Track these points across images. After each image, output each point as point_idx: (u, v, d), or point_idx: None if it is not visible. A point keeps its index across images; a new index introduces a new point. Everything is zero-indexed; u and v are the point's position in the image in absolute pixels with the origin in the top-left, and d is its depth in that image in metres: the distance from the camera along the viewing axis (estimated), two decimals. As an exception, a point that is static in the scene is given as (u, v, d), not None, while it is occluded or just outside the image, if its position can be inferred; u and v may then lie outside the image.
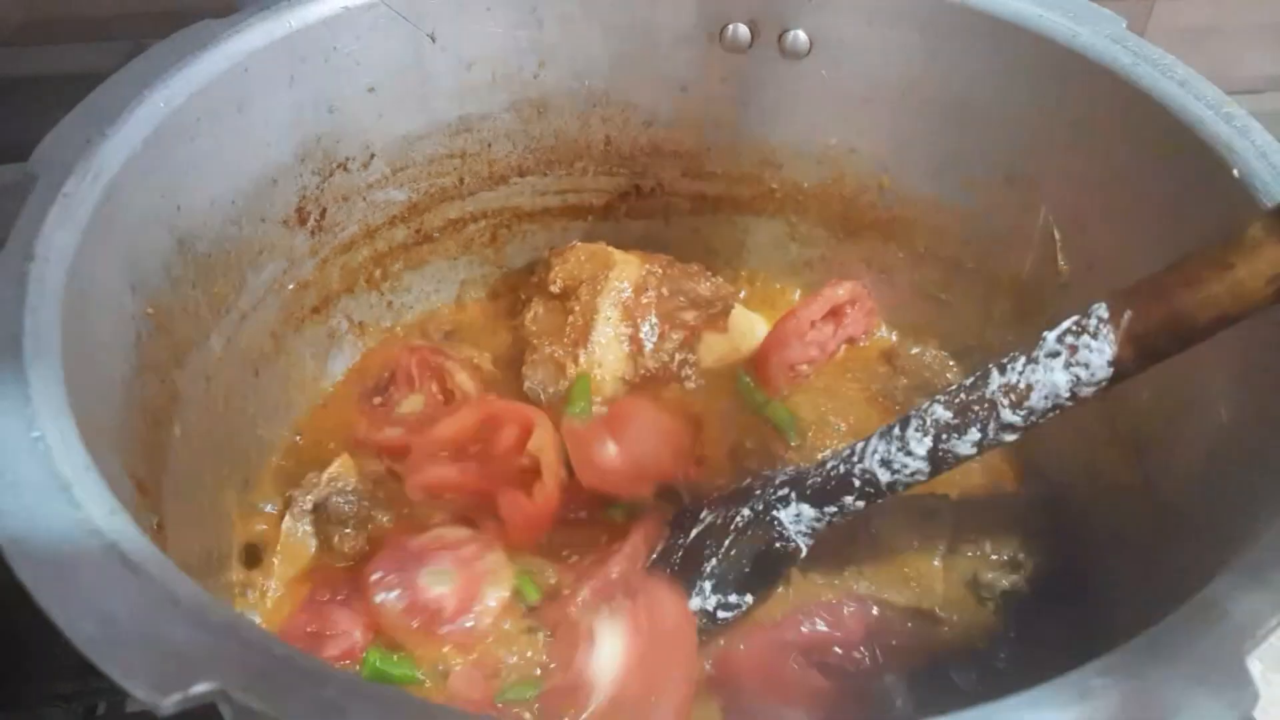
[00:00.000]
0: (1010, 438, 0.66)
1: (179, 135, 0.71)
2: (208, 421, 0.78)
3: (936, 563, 0.83)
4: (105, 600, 0.41)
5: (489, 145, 0.94)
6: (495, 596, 0.78)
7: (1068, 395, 0.63)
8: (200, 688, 0.38)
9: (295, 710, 0.37)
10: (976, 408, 0.66)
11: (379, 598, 0.76)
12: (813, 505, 0.74)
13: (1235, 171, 0.68)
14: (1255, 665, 1.01)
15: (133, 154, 0.67)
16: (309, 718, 0.37)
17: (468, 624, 0.76)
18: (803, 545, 0.75)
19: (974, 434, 0.66)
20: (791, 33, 0.89)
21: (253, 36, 0.76)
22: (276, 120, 0.79)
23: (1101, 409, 0.81)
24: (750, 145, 0.97)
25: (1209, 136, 0.70)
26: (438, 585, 0.77)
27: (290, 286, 0.87)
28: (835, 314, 0.98)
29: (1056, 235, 0.84)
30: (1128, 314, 0.60)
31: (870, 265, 1.00)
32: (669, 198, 1.01)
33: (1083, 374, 0.62)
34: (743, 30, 0.89)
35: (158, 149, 0.69)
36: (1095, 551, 0.81)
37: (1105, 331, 0.61)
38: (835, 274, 1.01)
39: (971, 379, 0.67)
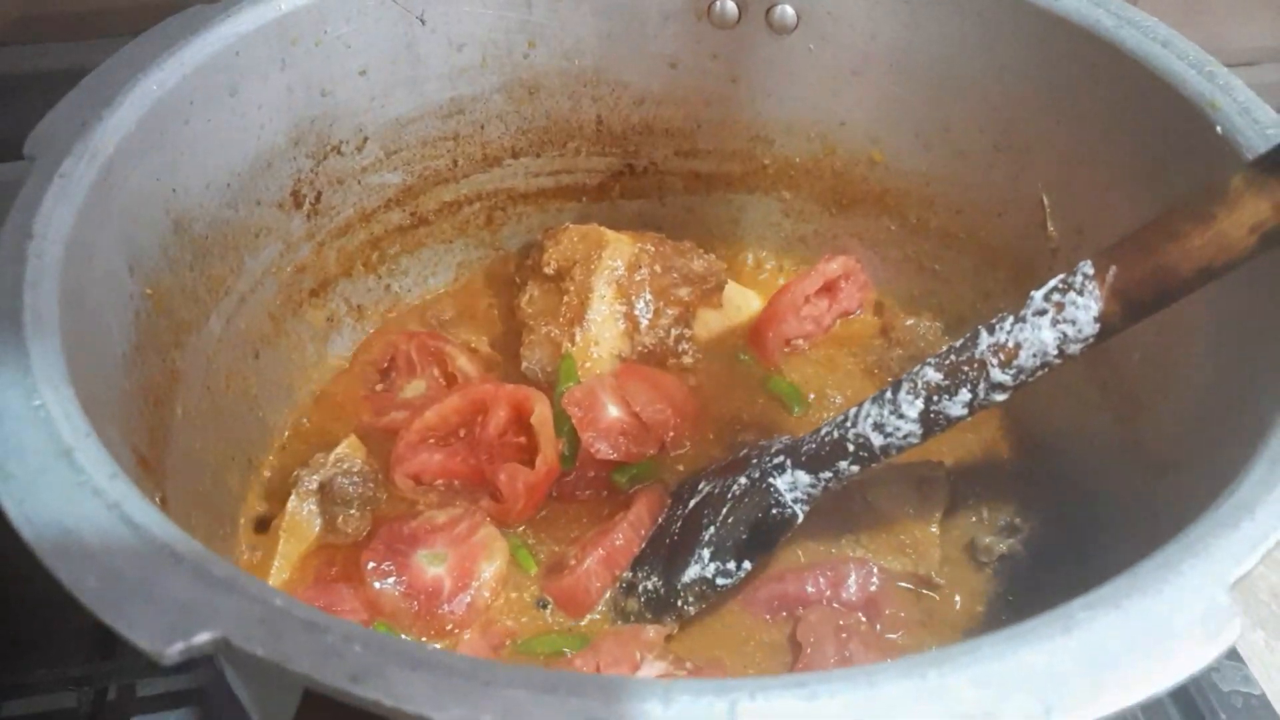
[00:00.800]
0: (1000, 397, 0.67)
1: (172, 118, 0.72)
2: (209, 402, 0.79)
3: (933, 529, 0.84)
4: (108, 557, 0.42)
5: (481, 127, 0.95)
6: (490, 570, 0.79)
7: (1055, 353, 0.64)
8: (203, 637, 0.39)
9: (296, 656, 0.38)
10: (966, 368, 0.67)
11: (377, 585, 0.77)
12: (808, 471, 0.75)
13: (1218, 128, 0.68)
14: (1258, 633, 1.01)
15: (127, 136, 0.67)
16: (309, 662, 0.38)
17: (467, 599, 0.77)
18: (799, 512, 0.76)
19: (964, 394, 0.67)
20: (779, 7, 0.89)
21: (243, 20, 0.77)
22: (269, 103, 0.80)
23: (1093, 372, 0.82)
24: (741, 121, 0.97)
25: (1192, 94, 0.70)
26: (433, 566, 0.78)
27: (287, 269, 0.87)
28: (829, 288, 0.99)
29: (1045, 201, 0.85)
30: (1112, 270, 0.61)
31: (863, 239, 1.00)
32: (662, 176, 1.02)
33: (1070, 331, 0.62)
34: (730, 6, 0.90)
35: (152, 131, 0.70)
36: (1091, 512, 0.82)
37: (1091, 288, 0.61)
38: (829, 248, 1.02)
39: (961, 341, 0.68)
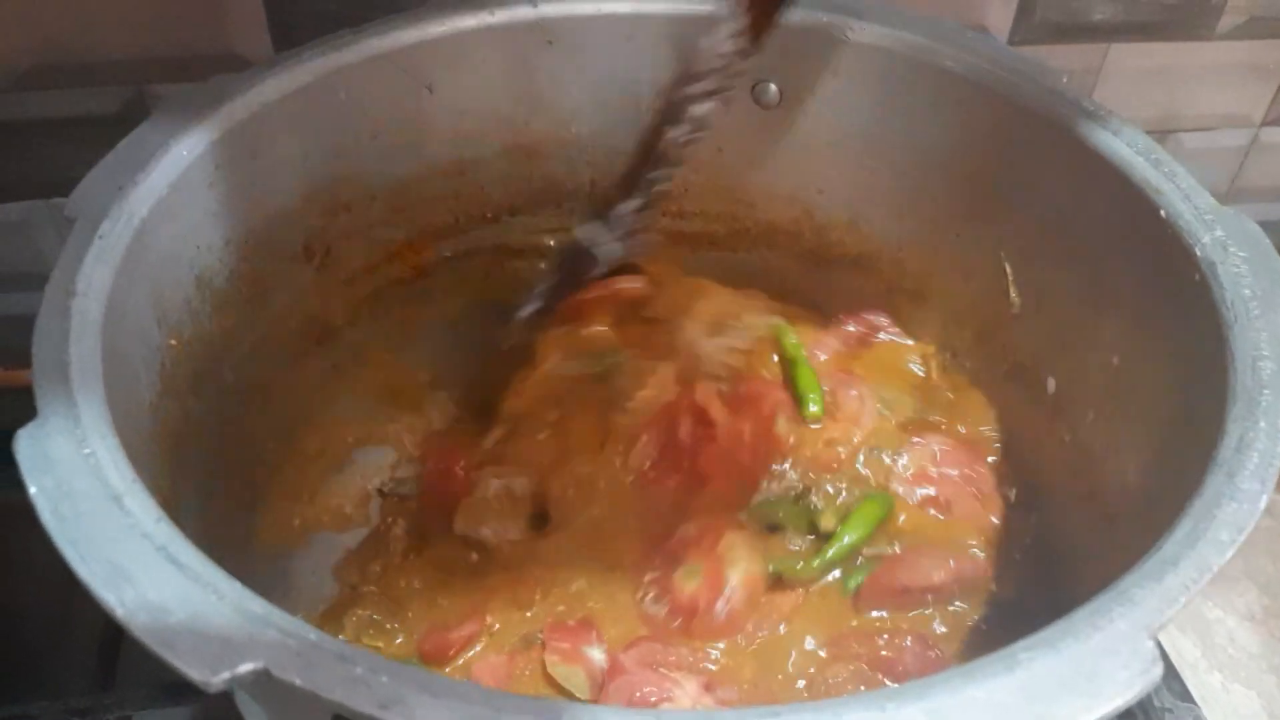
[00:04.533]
0: None
1: (199, 181, 0.77)
2: (220, 447, 0.83)
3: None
4: (157, 595, 0.46)
5: (482, 187, 1.00)
6: (738, 575, 0.82)
7: None
8: (245, 667, 0.43)
9: (329, 685, 0.43)
10: None
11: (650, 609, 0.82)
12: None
13: (1162, 212, 0.75)
14: (1215, 675, 1.06)
15: (159, 199, 0.72)
16: (342, 691, 0.43)
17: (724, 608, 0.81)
18: None
19: None
20: (763, 84, 0.96)
21: (266, 89, 0.82)
22: (287, 165, 0.86)
23: (1055, 429, 0.88)
24: (726, 187, 1.04)
25: (1139, 180, 0.77)
26: (689, 582, 0.82)
27: (296, 319, 0.92)
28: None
29: (1008, 270, 0.91)
30: None
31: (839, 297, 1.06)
32: (650, 235, 1.08)
33: None
34: (718, 82, 0.96)
35: (181, 194, 0.75)
36: (1053, 560, 0.88)
37: None
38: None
39: None
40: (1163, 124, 1.34)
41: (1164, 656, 0.97)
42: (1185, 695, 0.93)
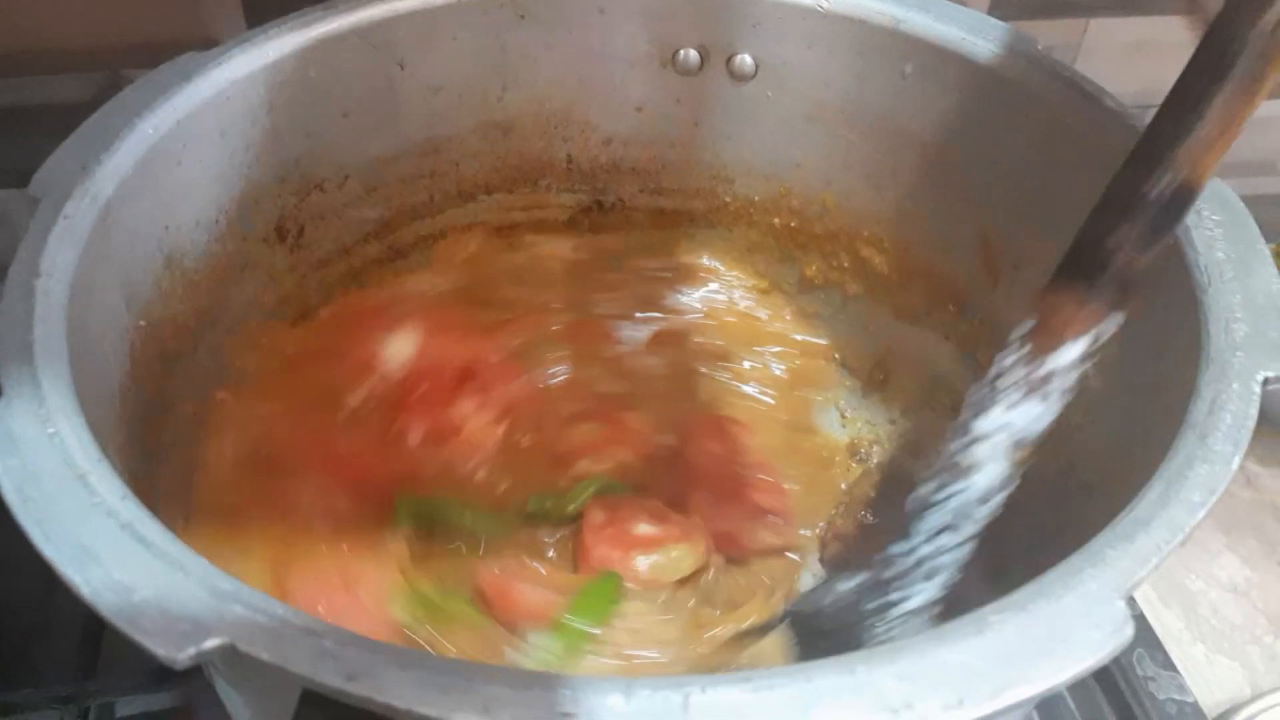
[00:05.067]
0: None
1: (166, 160, 0.76)
2: (195, 428, 0.83)
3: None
4: (124, 573, 0.46)
5: (457, 165, 1.00)
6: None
7: None
8: (211, 643, 0.43)
9: (296, 658, 0.43)
10: None
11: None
12: None
13: (1139, 181, 0.74)
14: (1199, 646, 1.07)
15: (125, 178, 0.71)
16: (309, 665, 0.42)
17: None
18: None
19: None
20: (738, 57, 0.95)
21: (234, 66, 0.81)
22: (256, 144, 0.85)
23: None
24: (703, 162, 1.03)
25: (1115, 149, 0.76)
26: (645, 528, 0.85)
27: (270, 300, 0.92)
28: (786, 318, 1.05)
29: (986, 240, 0.91)
30: None
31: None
32: (629, 212, 1.08)
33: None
34: (693, 55, 0.96)
35: (148, 173, 0.74)
36: (1027, 533, 0.87)
37: None
38: (786, 280, 1.07)
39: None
40: (1143, 99, 1.32)
41: (1145, 625, 0.99)
42: (1169, 665, 0.94)
